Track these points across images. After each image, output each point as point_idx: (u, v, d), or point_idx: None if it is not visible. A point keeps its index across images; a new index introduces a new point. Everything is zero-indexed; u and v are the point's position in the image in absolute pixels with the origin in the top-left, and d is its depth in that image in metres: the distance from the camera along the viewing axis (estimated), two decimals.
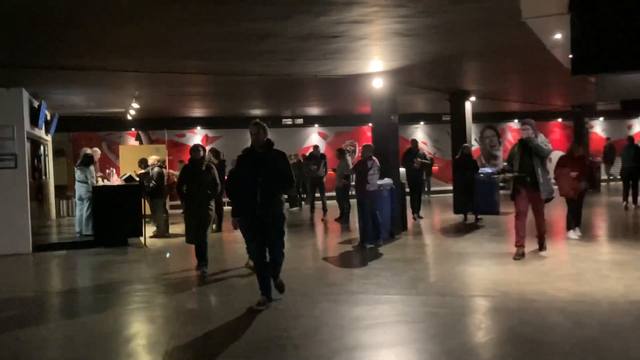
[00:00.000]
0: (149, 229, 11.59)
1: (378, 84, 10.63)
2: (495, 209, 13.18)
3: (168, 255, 9.56)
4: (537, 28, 7.38)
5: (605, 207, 14.18)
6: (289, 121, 20.16)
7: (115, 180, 12.43)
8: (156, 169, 11.88)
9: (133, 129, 18.80)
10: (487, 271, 7.18)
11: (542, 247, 8.01)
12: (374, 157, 9.52)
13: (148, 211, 12.19)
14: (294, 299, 6.21)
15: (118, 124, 17.91)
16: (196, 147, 7.79)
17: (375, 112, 10.94)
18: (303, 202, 16.90)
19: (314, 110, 19.24)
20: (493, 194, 13.40)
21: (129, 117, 15.57)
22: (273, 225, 5.79)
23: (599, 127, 23.96)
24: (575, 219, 9.47)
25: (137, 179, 12.87)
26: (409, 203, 12.47)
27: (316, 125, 20.78)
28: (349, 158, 13.02)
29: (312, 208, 14.20)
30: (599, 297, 5.71)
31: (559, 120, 23.27)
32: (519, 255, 7.66)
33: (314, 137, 20.87)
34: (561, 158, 9.49)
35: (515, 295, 5.91)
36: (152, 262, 8.95)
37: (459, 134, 14.42)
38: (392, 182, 10.39)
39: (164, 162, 12.45)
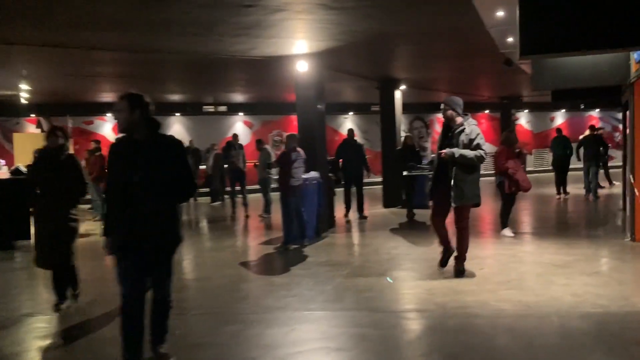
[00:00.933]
0: None
1: (303, 68, 9.66)
2: (426, 204, 12.58)
3: None
4: (481, 5, 6.68)
5: (536, 200, 13.97)
6: (210, 108, 18.83)
7: (3, 174, 10.81)
8: None
9: (33, 115, 16.85)
10: (421, 277, 6.42)
11: (458, 272, 6.23)
12: (298, 149, 8.58)
13: None
14: (198, 319, 5.17)
15: (13, 109, 15.93)
16: (53, 131, 5.54)
17: (300, 99, 9.97)
18: (225, 197, 15.73)
19: (239, 97, 18.00)
20: (424, 188, 12.81)
21: (23, 101, 13.74)
22: (164, 252, 3.92)
23: (523, 119, 24.20)
24: (502, 215, 8.97)
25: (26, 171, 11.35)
26: (344, 198, 11.58)
27: (241, 114, 19.55)
28: (268, 148, 12.02)
29: (234, 203, 13.09)
30: (547, 310, 5.04)
31: (487, 111, 23.28)
32: (441, 264, 6.44)
33: (239, 126, 19.65)
34: (504, 150, 8.86)
35: (455, 309, 5.14)
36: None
37: (388, 125, 13.77)
38: (318, 175, 9.49)
39: None
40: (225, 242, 9.59)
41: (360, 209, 11.47)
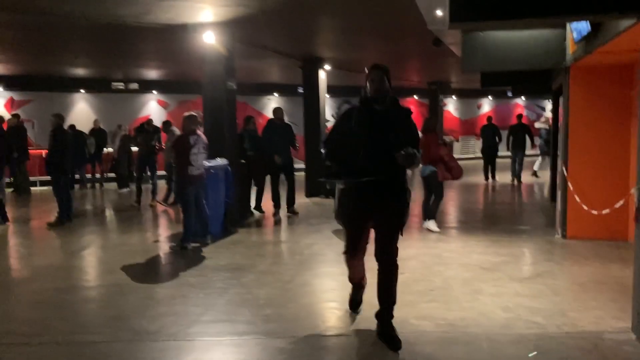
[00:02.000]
0: None
1: (209, 39, 8.43)
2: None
3: None
4: None
5: (463, 189, 13.45)
6: (120, 85, 17.10)
7: None
8: None
9: None
10: (336, 285, 5.47)
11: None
12: (199, 132, 7.39)
13: None
14: (46, 348, 3.97)
15: None
16: None
17: (207, 75, 8.73)
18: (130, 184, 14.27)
19: (152, 74, 16.38)
20: None
21: None
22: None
23: (451, 106, 23.93)
24: (431, 208, 8.24)
25: None
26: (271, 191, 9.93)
27: (154, 92, 17.94)
28: (175, 129, 10.72)
29: (139, 191, 11.69)
30: (475, 332, 4.21)
31: (415, 97, 22.78)
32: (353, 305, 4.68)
33: (152, 106, 18.06)
34: (433, 137, 8.09)
35: (368, 332, 4.21)
36: None
37: (311, 107, 12.77)
38: (227, 162, 8.35)
39: None
40: (118, 238, 8.29)
41: (290, 202, 9.86)
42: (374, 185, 3.92)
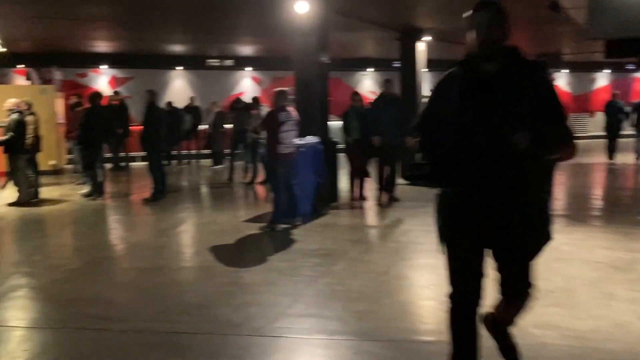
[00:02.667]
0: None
1: (302, 9, 7.95)
2: None
3: None
4: None
5: (579, 170, 12.16)
6: (215, 62, 17.20)
7: None
8: (14, 116, 9.00)
9: (23, 66, 15.50)
10: (436, 279, 4.87)
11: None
12: (289, 108, 6.98)
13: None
14: (126, 336, 3.74)
15: (1, 59, 14.56)
16: None
17: (298, 48, 8.27)
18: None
19: (247, 50, 16.30)
20: None
21: (1, 49, 12.33)
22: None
23: (562, 80, 21.99)
24: None
25: None
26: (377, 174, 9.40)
27: (249, 68, 17.89)
28: (264, 108, 10.45)
29: (232, 168, 11.61)
30: (613, 348, 3.47)
31: None
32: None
33: (246, 82, 18.05)
34: None
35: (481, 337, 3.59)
36: None
37: (408, 82, 12.02)
38: (317, 140, 7.90)
39: (30, 106, 9.52)
40: (208, 216, 8.14)
41: (388, 185, 8.55)
42: (490, 194, 2.56)
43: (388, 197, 8.54)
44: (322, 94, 8.29)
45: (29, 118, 9.33)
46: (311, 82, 8.13)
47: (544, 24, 11.82)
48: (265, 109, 10.53)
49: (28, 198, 9.13)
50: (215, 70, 17.22)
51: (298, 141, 7.19)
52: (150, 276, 5.18)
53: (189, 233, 7.24)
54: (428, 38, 11.92)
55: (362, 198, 8.74)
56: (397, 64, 18.36)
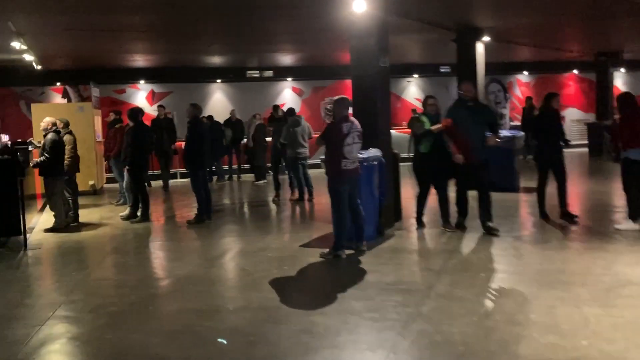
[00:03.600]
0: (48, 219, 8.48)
1: (360, 8, 7.14)
2: (514, 185, 9.73)
3: None
4: None
5: None
6: (255, 73, 16.58)
7: None
8: (49, 136, 8.42)
9: (58, 84, 15.15)
10: (568, 327, 3.94)
11: None
12: (351, 118, 6.17)
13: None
14: None
15: (38, 77, 14.24)
16: None
17: (356, 51, 7.44)
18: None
19: (287, 59, 15.63)
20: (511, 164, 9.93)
21: (36, 67, 11.94)
22: None
23: (619, 80, 20.61)
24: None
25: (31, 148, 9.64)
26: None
27: (289, 79, 17.22)
28: (303, 121, 9.88)
29: (277, 184, 10.87)
30: None
31: (575, 72, 19.92)
32: None
33: (287, 93, 17.36)
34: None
35: None
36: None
37: None
38: (380, 153, 7.05)
39: (67, 125, 8.97)
40: (260, 241, 7.33)
41: (486, 214, 6.83)
42: None
43: (488, 229, 6.80)
44: (383, 100, 7.44)
45: (66, 137, 8.79)
46: (371, 88, 7.29)
47: (606, 19, 10.76)
48: (302, 121, 9.99)
49: (66, 223, 8.54)
50: (255, 82, 16.60)
51: (362, 154, 6.36)
52: (206, 321, 4.38)
53: (241, 262, 6.46)
54: (487, 38, 10.95)
55: (422, 225, 7.42)
56: (444, 69, 17.49)
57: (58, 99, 15.23)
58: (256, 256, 6.48)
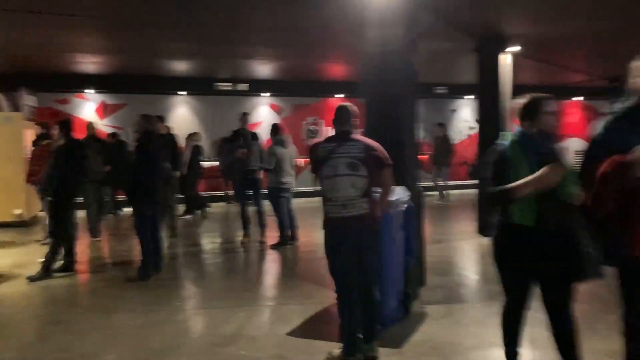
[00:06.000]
0: None
1: None
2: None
3: None
4: None
5: None
6: (227, 86, 14.24)
7: None
8: None
9: None
10: None
11: None
12: (356, 137, 3.90)
13: None
14: None
15: None
16: None
17: (373, 50, 5.20)
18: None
19: (264, 70, 13.30)
20: None
21: None
22: None
23: None
24: None
25: None
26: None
27: (266, 94, 14.93)
28: (287, 140, 7.77)
29: (246, 221, 8.48)
30: None
31: (580, 98, 18.20)
32: None
33: (264, 111, 15.07)
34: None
35: None
36: None
37: (488, 107, 8.95)
38: (408, 194, 4.83)
39: None
40: (226, 320, 4.95)
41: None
42: None
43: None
44: (410, 119, 5.21)
45: None
46: (397, 99, 5.06)
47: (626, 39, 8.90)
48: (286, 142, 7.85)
49: None
50: (227, 95, 14.27)
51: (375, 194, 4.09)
52: None
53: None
54: (516, 48, 8.89)
55: None
56: (440, 90, 15.61)
57: None
58: (221, 355, 4.10)
